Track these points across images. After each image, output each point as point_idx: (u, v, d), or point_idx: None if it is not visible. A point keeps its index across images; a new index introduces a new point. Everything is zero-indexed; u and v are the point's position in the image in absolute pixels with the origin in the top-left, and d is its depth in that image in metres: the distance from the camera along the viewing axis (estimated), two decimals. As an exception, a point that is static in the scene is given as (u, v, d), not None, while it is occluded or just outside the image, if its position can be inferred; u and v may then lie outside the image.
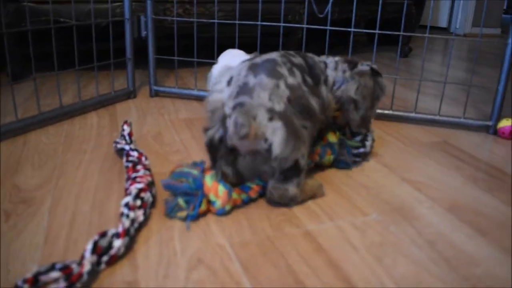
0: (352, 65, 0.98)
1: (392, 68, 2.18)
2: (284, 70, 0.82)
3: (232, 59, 1.25)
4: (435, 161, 1.06)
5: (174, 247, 0.70)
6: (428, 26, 1.29)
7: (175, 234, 0.73)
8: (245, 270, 0.65)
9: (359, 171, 0.99)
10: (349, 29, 1.31)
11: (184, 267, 0.65)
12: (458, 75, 2.13)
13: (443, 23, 3.96)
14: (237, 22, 1.37)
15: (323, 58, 0.98)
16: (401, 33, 1.30)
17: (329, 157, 0.97)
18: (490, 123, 1.28)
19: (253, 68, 0.82)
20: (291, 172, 0.78)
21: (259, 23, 1.36)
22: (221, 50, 1.36)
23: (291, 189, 0.80)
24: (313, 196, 0.86)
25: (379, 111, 1.34)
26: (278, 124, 0.75)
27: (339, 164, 0.99)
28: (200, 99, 1.49)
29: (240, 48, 1.37)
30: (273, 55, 0.86)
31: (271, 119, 0.76)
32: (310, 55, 0.95)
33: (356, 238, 0.74)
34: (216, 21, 1.43)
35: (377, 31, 1.30)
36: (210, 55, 1.35)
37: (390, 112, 1.34)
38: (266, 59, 0.84)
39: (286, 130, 0.75)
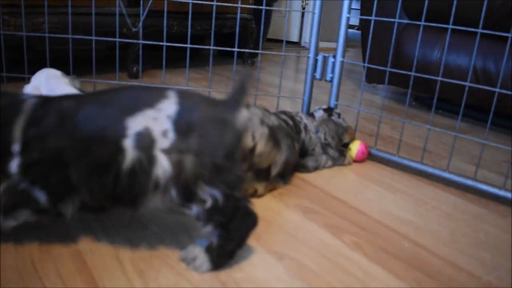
0: (311, 115, 1.24)
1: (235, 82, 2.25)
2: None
3: (45, 80, 1.19)
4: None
5: None
6: (236, 40, 1.35)
7: None
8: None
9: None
10: (161, 44, 1.33)
11: None
12: (295, 87, 2.27)
13: (294, 38, 4.20)
14: (47, 35, 1.31)
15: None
16: (211, 47, 1.34)
17: None
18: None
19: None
20: (263, 173, 0.96)
21: (70, 36, 1.32)
22: (50, 64, 1.29)
23: (260, 189, 0.97)
24: (272, 189, 1.01)
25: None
26: (265, 130, 0.95)
27: None
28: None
29: (61, 62, 1.31)
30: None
31: (262, 123, 0.95)
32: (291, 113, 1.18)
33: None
34: (24, 34, 1.35)
35: (212, 47, 1.33)
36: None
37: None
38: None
39: (270, 137, 0.95)
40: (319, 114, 1.24)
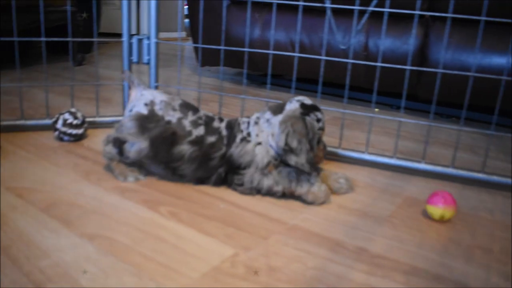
0: (278, 109, 0.97)
1: (63, 78, 2.14)
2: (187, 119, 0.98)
3: None
4: (53, 164, 1.06)
5: None
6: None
7: None
8: None
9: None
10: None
11: None
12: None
13: (132, 30, 4.12)
14: None
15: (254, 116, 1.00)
16: (15, 38, 1.26)
17: None
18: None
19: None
20: None
21: None
22: None
23: None
24: None
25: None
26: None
27: None
28: None
29: None
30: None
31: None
32: (239, 119, 1.01)
33: None
34: None
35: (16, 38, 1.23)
36: None
37: (22, 122, 1.29)
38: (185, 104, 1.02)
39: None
40: (292, 107, 0.96)
